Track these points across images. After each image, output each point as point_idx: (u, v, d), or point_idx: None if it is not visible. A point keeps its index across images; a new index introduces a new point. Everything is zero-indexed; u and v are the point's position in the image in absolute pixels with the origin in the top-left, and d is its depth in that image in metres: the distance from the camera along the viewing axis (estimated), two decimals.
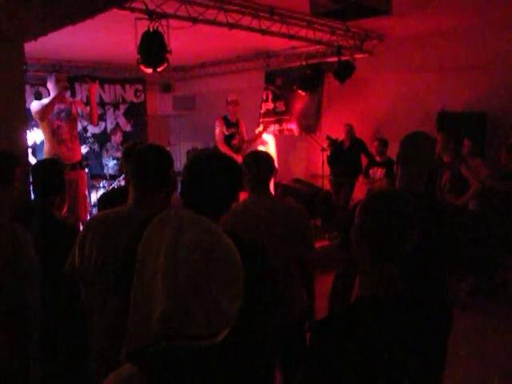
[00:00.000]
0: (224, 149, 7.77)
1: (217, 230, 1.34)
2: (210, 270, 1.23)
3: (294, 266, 3.04)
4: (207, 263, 1.23)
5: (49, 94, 8.43)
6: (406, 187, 2.54)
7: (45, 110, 5.97)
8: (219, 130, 8.12)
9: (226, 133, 8.18)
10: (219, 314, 1.23)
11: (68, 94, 6.54)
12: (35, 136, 7.53)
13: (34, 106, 6.05)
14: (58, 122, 6.18)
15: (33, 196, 3.31)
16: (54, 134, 6.15)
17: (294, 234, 2.99)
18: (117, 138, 9.64)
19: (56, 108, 6.13)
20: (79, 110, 6.49)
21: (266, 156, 3.16)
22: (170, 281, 1.28)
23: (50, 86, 6.24)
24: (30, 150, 6.77)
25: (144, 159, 2.42)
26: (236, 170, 2.01)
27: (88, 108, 6.68)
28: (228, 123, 8.23)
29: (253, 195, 3.06)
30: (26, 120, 4.44)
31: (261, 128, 8.70)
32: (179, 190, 1.98)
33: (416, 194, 2.42)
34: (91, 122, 6.74)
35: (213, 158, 2.02)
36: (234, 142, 8.20)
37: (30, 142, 7.20)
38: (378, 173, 7.43)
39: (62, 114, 6.23)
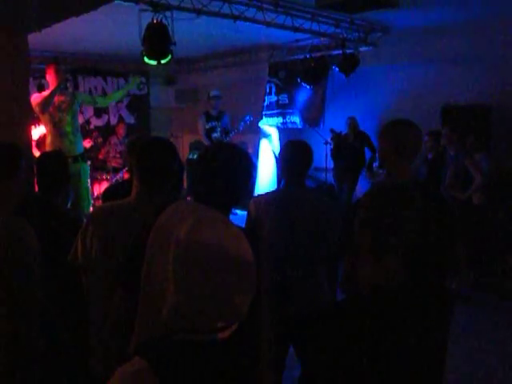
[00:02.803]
0: (205, 142, 8.27)
1: (227, 223, 1.33)
2: (221, 263, 1.22)
3: (318, 260, 3.05)
4: (217, 257, 1.21)
5: None
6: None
7: (44, 102, 5.84)
8: (200, 124, 8.49)
9: (207, 126, 8.44)
10: (231, 307, 1.22)
11: (71, 85, 6.48)
12: (41, 130, 7.52)
13: (35, 98, 5.89)
14: (59, 114, 6.08)
15: (37, 189, 3.30)
16: (55, 126, 6.05)
17: (319, 228, 2.98)
18: (121, 131, 9.57)
19: (57, 100, 6.01)
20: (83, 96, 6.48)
21: (302, 147, 3.14)
22: (180, 273, 1.27)
23: (50, 77, 6.06)
24: (34, 143, 6.72)
25: (149, 152, 2.40)
26: (249, 162, 2.00)
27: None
28: (209, 117, 8.47)
29: (282, 187, 3.13)
30: (30, 112, 4.43)
31: None
32: (186, 182, 1.97)
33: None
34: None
35: (224, 150, 2.00)
36: (215, 134, 8.46)
37: (35, 137, 7.15)
38: None
39: (64, 106, 6.12)
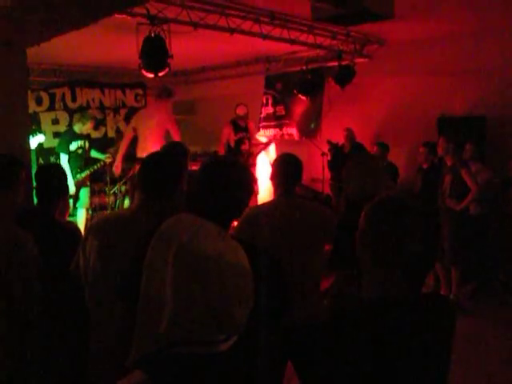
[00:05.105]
0: (222, 153, 8.11)
1: (226, 236, 1.34)
2: (219, 276, 1.23)
3: (312, 269, 3.05)
4: (217, 270, 1.22)
5: (50, 100, 8.65)
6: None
7: None
8: (225, 133, 8.21)
9: (235, 138, 8.16)
10: (229, 320, 1.23)
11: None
12: (39, 139, 7.73)
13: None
14: None
15: (36, 201, 3.32)
16: None
17: (316, 237, 3.01)
18: None
19: None
20: None
21: (294, 159, 3.19)
22: (178, 285, 1.27)
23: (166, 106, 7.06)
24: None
25: (150, 163, 2.42)
26: (249, 177, 2.01)
27: None
28: (237, 128, 8.20)
29: (278, 197, 3.12)
30: (28, 125, 4.44)
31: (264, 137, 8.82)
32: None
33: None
34: None
35: (226, 164, 2.02)
36: (245, 146, 8.16)
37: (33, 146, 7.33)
38: None
39: None
